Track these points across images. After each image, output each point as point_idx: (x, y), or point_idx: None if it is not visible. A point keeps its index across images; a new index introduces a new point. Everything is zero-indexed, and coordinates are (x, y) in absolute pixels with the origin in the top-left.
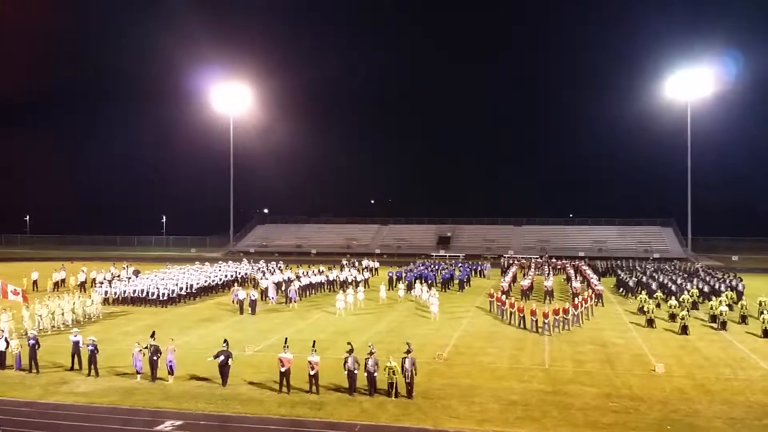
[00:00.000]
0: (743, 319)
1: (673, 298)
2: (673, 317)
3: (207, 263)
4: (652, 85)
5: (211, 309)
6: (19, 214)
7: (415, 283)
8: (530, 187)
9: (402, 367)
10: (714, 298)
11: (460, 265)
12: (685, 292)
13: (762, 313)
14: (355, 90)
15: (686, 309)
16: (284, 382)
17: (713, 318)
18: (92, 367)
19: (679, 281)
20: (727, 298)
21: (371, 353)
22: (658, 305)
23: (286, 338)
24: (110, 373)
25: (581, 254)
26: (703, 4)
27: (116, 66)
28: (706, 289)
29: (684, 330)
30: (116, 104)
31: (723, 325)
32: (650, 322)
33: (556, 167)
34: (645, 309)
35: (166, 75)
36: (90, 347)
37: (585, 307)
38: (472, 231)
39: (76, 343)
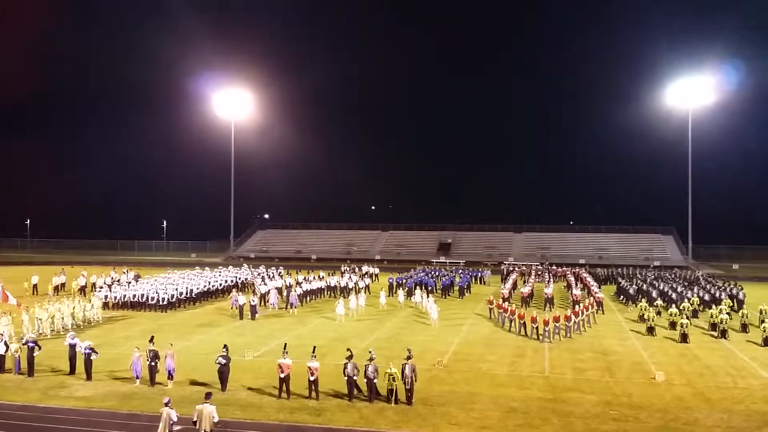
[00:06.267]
0: (744, 327)
1: (673, 306)
2: (673, 325)
3: (207, 268)
4: (653, 93)
5: (211, 314)
6: (20, 218)
7: (415, 289)
8: (531, 193)
9: (402, 373)
10: (714, 306)
11: (460, 271)
12: (686, 300)
13: (763, 321)
14: (356, 96)
15: (686, 317)
16: (284, 388)
17: (713, 326)
18: (87, 371)
19: (679, 289)
20: (726, 306)
21: (371, 359)
22: (658, 313)
23: (285, 344)
24: (109, 378)
25: (582, 261)
26: (704, 12)
27: (120, 72)
28: (706, 297)
29: (684, 338)
30: (118, 110)
31: (723, 334)
32: (651, 330)
33: (557, 174)
34: (646, 317)
35: (168, 81)
36: (86, 351)
37: (586, 315)
38: (473, 237)
39: (72, 347)
